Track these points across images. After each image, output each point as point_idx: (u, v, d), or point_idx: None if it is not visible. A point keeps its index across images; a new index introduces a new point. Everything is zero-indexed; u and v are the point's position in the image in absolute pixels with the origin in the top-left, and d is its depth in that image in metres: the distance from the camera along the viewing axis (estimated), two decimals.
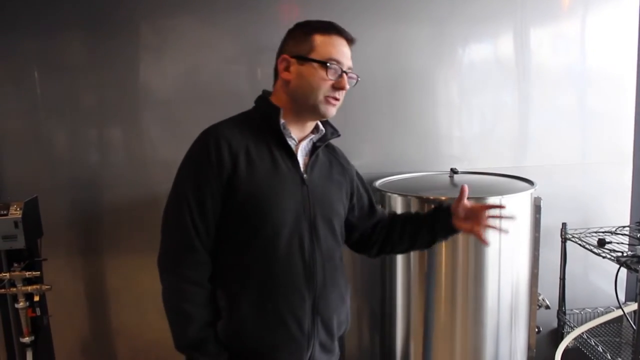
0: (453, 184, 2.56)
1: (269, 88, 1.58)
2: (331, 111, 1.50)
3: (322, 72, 1.46)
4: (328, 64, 1.46)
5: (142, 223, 2.69)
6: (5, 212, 2.22)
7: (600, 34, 2.86)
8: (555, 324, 2.94)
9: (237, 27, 2.68)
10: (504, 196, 2.29)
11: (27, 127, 2.67)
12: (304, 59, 1.47)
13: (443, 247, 2.30)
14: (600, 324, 2.83)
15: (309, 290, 1.51)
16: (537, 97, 2.88)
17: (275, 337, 1.50)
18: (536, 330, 2.59)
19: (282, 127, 1.50)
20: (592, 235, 2.64)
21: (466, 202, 1.63)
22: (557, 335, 2.92)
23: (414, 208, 2.33)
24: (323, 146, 1.61)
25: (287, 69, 1.49)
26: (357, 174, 1.78)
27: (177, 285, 1.46)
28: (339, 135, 1.64)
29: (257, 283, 1.48)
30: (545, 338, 2.96)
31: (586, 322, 2.81)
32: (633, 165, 2.97)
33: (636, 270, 2.19)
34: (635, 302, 2.24)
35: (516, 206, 2.35)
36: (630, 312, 2.59)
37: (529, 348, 2.56)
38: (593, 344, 2.70)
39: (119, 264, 2.79)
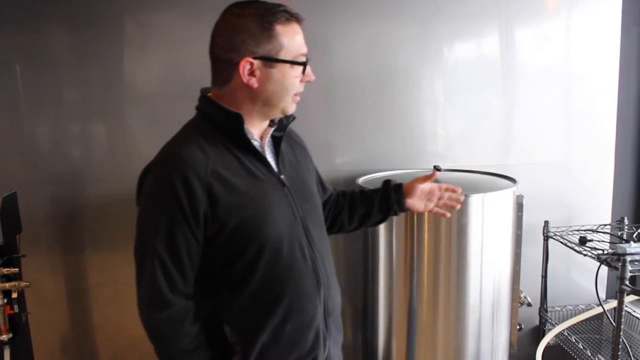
0: (436, 181, 2.56)
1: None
2: (294, 107, 1.41)
3: (294, 72, 1.33)
4: (305, 62, 1.34)
5: (123, 219, 2.59)
6: None
7: (584, 33, 2.88)
8: (536, 322, 2.96)
9: None
10: (487, 194, 2.30)
11: (7, 122, 2.63)
12: (274, 60, 1.30)
13: (425, 244, 2.30)
14: (581, 321, 2.86)
15: (319, 295, 1.44)
16: (521, 96, 2.89)
17: (295, 355, 1.43)
18: (518, 327, 2.60)
19: (247, 133, 1.37)
20: (574, 233, 2.66)
21: (425, 185, 1.68)
22: (538, 332, 2.94)
23: None
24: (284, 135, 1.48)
25: (251, 73, 1.30)
26: None
27: (157, 334, 1.36)
28: (294, 118, 1.47)
29: (271, 307, 1.38)
30: (526, 335, 2.98)
31: (567, 319, 2.84)
32: (615, 164, 2.99)
33: (616, 268, 2.20)
34: (615, 299, 2.26)
35: (499, 204, 2.36)
36: (611, 309, 2.61)
37: (511, 345, 2.57)
38: (574, 340, 2.72)
39: (99, 260, 2.76)
